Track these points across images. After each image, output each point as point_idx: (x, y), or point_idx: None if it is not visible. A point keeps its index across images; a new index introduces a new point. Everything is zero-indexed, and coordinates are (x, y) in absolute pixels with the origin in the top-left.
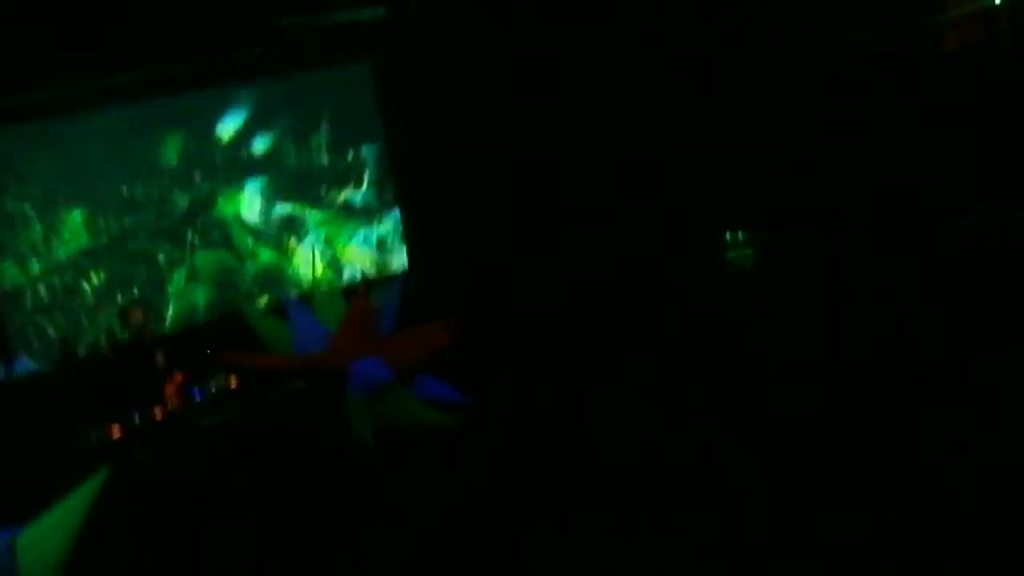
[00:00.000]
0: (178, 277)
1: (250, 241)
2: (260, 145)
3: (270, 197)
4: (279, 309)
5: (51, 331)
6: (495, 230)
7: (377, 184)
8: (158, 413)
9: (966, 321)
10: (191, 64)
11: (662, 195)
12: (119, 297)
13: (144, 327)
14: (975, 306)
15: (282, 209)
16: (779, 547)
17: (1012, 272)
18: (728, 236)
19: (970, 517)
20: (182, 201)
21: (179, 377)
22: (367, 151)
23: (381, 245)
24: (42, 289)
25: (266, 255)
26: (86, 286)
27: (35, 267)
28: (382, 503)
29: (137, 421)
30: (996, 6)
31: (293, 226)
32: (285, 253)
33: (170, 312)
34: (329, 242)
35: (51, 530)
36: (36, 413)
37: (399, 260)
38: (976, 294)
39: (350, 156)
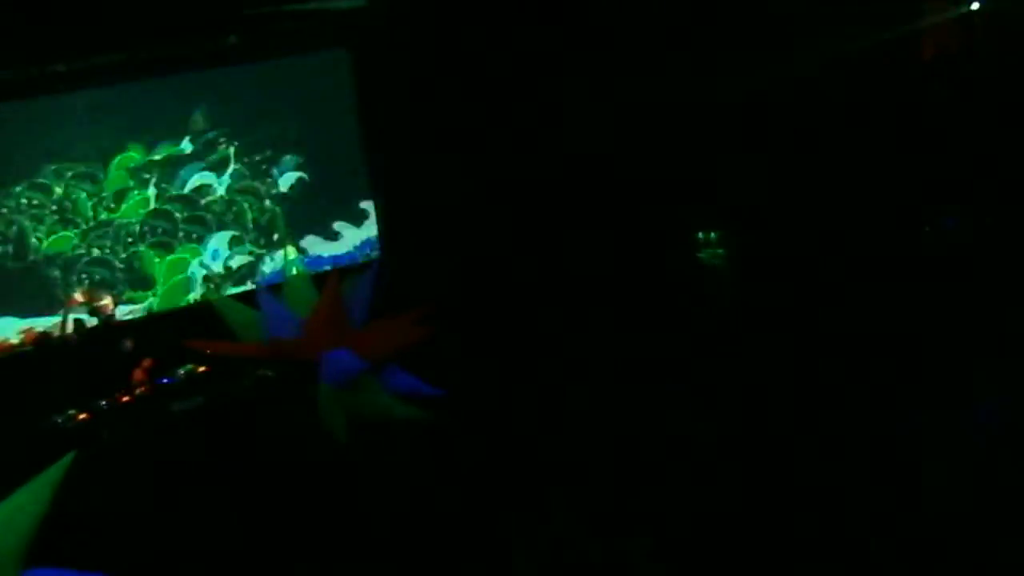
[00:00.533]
0: (147, 262)
1: (222, 227)
2: (231, 132)
3: (240, 184)
4: (249, 297)
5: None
6: (471, 220)
7: (350, 172)
8: (125, 398)
9: (942, 319)
10: (164, 49)
11: (637, 191)
12: (86, 282)
13: (111, 313)
14: (952, 304)
15: (254, 196)
16: (756, 537)
17: (984, 275)
18: (700, 236)
19: (944, 513)
20: (150, 186)
21: (147, 363)
22: (342, 138)
23: (353, 233)
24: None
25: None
26: (56, 270)
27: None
28: (352, 493)
29: (104, 405)
30: (972, 12)
31: (265, 213)
32: (256, 240)
33: (138, 298)
34: (300, 230)
35: (14, 515)
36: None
37: (371, 249)
38: (952, 293)
39: (323, 142)
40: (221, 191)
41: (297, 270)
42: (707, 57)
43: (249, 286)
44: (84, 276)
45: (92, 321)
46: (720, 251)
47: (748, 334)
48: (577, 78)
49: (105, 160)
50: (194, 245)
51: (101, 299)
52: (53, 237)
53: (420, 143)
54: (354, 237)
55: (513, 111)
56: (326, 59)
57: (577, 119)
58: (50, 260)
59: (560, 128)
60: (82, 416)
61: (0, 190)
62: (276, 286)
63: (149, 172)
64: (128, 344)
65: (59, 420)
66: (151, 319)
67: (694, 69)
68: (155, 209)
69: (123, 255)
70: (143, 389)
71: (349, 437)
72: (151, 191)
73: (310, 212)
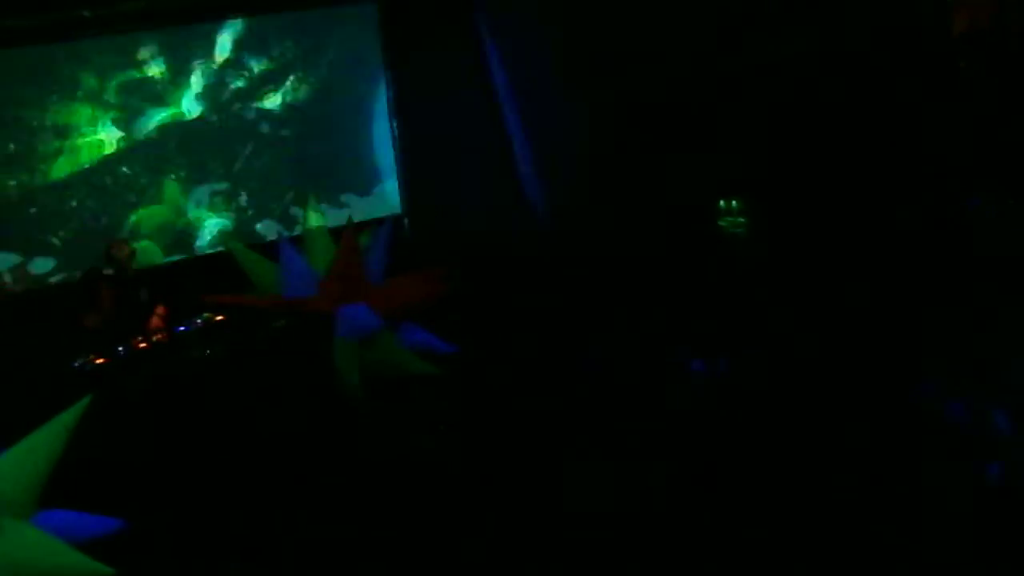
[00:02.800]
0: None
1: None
2: (260, 80)
3: (268, 134)
4: (268, 248)
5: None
6: (492, 178)
7: (375, 126)
8: (142, 344)
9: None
10: None
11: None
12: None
13: (127, 261)
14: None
15: (279, 148)
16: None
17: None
18: (721, 204)
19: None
20: (177, 133)
21: (161, 310)
22: (369, 91)
23: (375, 188)
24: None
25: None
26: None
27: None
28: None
29: (121, 350)
30: None
31: (290, 164)
32: (278, 192)
33: (157, 247)
34: (323, 182)
35: (29, 456)
36: (20, 336)
37: (391, 203)
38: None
39: (351, 95)
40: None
41: (317, 224)
42: (733, 28)
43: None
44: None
45: (108, 270)
46: (741, 220)
47: (768, 304)
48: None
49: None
50: None
51: (120, 248)
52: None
53: (445, 99)
54: (376, 191)
55: (540, 66)
56: (355, 11)
57: (605, 75)
58: None
59: (587, 84)
60: (99, 360)
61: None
62: (296, 238)
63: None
64: (144, 292)
65: (76, 363)
66: (170, 267)
67: (720, 41)
68: None
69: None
70: (160, 336)
71: (363, 390)
72: None
73: (333, 166)
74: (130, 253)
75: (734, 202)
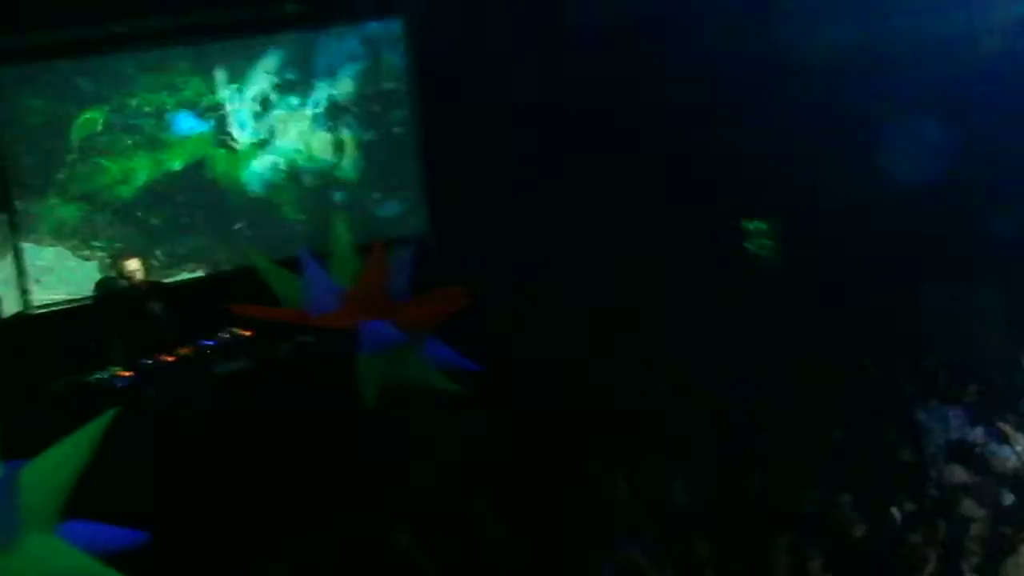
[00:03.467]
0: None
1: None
2: (287, 97)
3: (296, 150)
4: (292, 263)
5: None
6: (518, 196)
7: (401, 144)
8: (168, 357)
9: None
10: (224, 13)
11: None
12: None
13: (137, 276)
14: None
15: (306, 163)
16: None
17: None
18: (749, 225)
19: None
20: (205, 150)
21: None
22: (394, 108)
23: (400, 204)
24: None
25: (286, 207)
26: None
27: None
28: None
29: (147, 364)
30: None
31: (315, 180)
32: (305, 206)
33: (182, 262)
34: (349, 197)
35: (55, 467)
36: (47, 349)
37: (417, 221)
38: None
39: (377, 112)
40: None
41: (343, 239)
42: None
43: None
44: None
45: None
46: (767, 241)
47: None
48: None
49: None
50: None
51: (129, 264)
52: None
53: (471, 115)
54: (401, 208)
55: (565, 84)
56: (380, 28)
57: (636, 98)
58: None
59: (616, 105)
60: (125, 374)
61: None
62: (321, 254)
63: None
64: (157, 306)
65: (102, 376)
66: (195, 281)
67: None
68: None
69: None
70: (186, 350)
71: (383, 406)
72: None
73: (359, 181)
74: (137, 268)
75: (761, 224)
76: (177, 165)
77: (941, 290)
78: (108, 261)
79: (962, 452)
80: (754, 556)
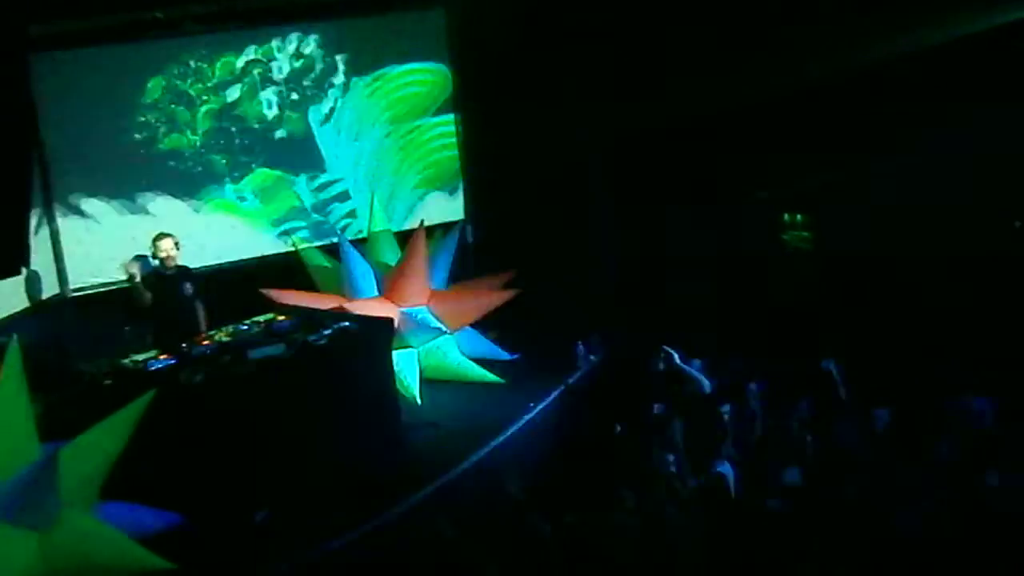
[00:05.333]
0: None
1: (311, 179)
2: (325, 85)
3: (333, 137)
4: (333, 249)
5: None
6: (558, 187)
7: (441, 132)
8: (206, 341)
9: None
10: (263, 1)
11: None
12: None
13: (170, 256)
14: None
15: (344, 150)
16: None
17: None
18: (786, 217)
19: None
20: (243, 136)
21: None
22: (434, 96)
23: (440, 192)
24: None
25: (323, 193)
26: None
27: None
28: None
29: (184, 348)
30: None
31: (354, 167)
32: (342, 194)
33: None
34: (389, 185)
35: (92, 449)
36: (84, 331)
37: (457, 209)
38: None
39: (417, 99)
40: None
41: (382, 226)
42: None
43: (334, 239)
44: None
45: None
46: (806, 234)
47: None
48: (675, 51)
49: None
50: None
51: (163, 244)
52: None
53: (512, 105)
54: (441, 197)
55: (606, 75)
56: (421, 15)
57: (674, 91)
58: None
59: (653, 99)
60: (163, 357)
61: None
62: (360, 240)
63: None
64: (189, 288)
65: (139, 359)
66: (234, 266)
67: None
68: None
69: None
70: (223, 335)
71: (422, 394)
72: None
73: (399, 169)
74: (171, 247)
75: (799, 216)
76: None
77: None
78: (148, 244)
79: None
80: None
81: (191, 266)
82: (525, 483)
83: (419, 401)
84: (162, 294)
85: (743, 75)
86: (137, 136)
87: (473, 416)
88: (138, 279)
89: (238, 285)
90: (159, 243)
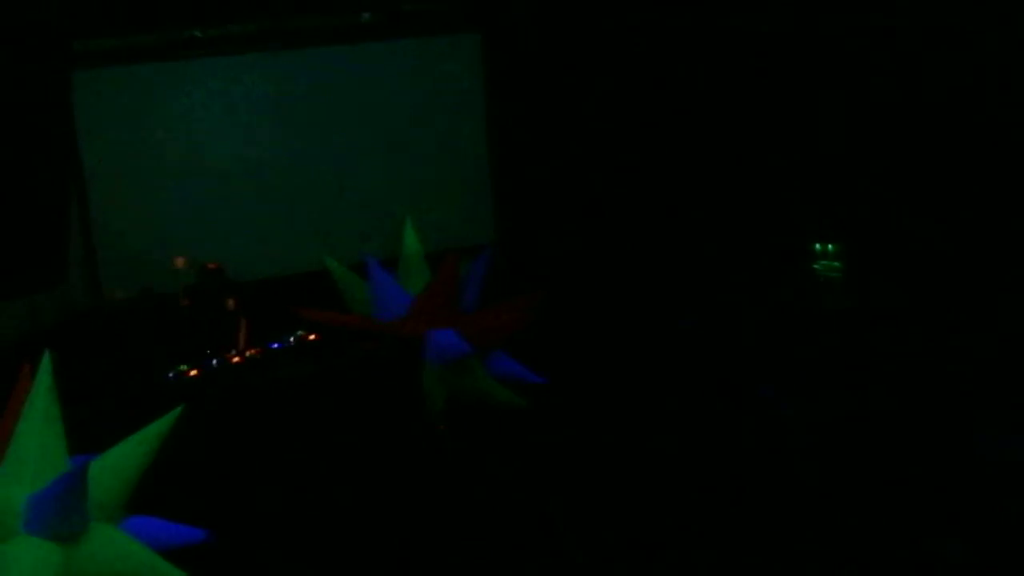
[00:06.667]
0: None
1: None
2: (359, 106)
3: (365, 159)
4: (362, 268)
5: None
6: (589, 211)
7: (472, 155)
8: (235, 359)
9: None
10: (300, 21)
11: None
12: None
13: (211, 273)
14: None
15: (375, 172)
16: None
17: None
18: (817, 247)
19: None
20: (276, 154)
21: (245, 323)
22: (466, 121)
23: (471, 215)
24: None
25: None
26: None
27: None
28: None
29: (214, 364)
30: None
31: (385, 188)
32: (374, 214)
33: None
34: (418, 207)
35: (122, 462)
36: (117, 345)
37: (487, 232)
38: None
39: (449, 125)
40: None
41: (413, 247)
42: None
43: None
44: None
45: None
46: (836, 264)
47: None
48: (704, 72)
49: None
50: None
51: (176, 262)
52: None
53: (544, 131)
54: (472, 219)
55: (641, 99)
56: (456, 41)
57: (704, 125)
58: None
59: (687, 121)
60: (192, 373)
61: None
62: (388, 261)
63: None
64: (230, 303)
65: (170, 375)
66: (266, 282)
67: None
68: None
69: None
70: (253, 351)
71: (447, 416)
72: None
73: (430, 191)
74: (183, 266)
75: (830, 246)
76: (245, 168)
77: None
78: (180, 260)
79: None
80: None
81: (232, 281)
82: None
83: (442, 421)
84: (200, 309)
85: None
86: (173, 151)
87: None
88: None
89: (274, 301)
90: (174, 260)
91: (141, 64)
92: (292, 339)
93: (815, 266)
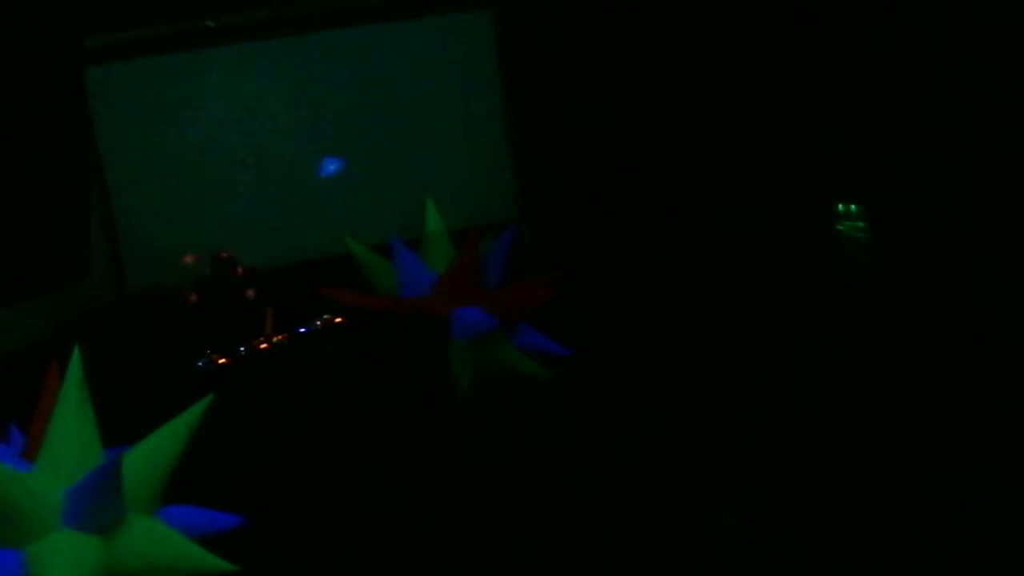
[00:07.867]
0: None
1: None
2: (375, 88)
3: (383, 140)
4: (385, 248)
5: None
6: (610, 185)
7: (489, 132)
8: (263, 344)
9: None
10: (311, 6)
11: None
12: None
13: (230, 262)
14: None
15: (394, 152)
16: None
17: None
18: (840, 207)
19: None
20: (294, 139)
21: (271, 311)
22: (481, 100)
23: (490, 193)
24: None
25: (376, 194)
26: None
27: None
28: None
29: (242, 351)
30: None
31: (405, 167)
32: (395, 195)
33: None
34: (437, 186)
35: (154, 453)
36: (147, 335)
37: (508, 209)
38: None
39: (464, 103)
40: None
41: (435, 226)
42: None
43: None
44: None
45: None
46: (861, 224)
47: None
48: (720, 52)
49: None
50: None
51: (186, 259)
52: None
53: (561, 108)
54: (490, 197)
55: (658, 78)
56: (469, 20)
57: (723, 91)
58: None
59: (704, 98)
60: (222, 360)
61: None
62: (412, 240)
63: None
64: (250, 293)
65: (199, 363)
66: (290, 268)
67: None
68: None
69: None
70: (280, 337)
71: (475, 392)
72: None
73: (450, 169)
74: (192, 262)
75: (853, 206)
76: (263, 155)
77: None
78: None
79: None
80: None
81: (256, 268)
82: None
83: (470, 398)
84: (220, 298)
85: None
86: (191, 142)
87: None
88: (192, 268)
89: (297, 285)
90: (183, 257)
91: (156, 57)
92: (318, 322)
93: (838, 226)
